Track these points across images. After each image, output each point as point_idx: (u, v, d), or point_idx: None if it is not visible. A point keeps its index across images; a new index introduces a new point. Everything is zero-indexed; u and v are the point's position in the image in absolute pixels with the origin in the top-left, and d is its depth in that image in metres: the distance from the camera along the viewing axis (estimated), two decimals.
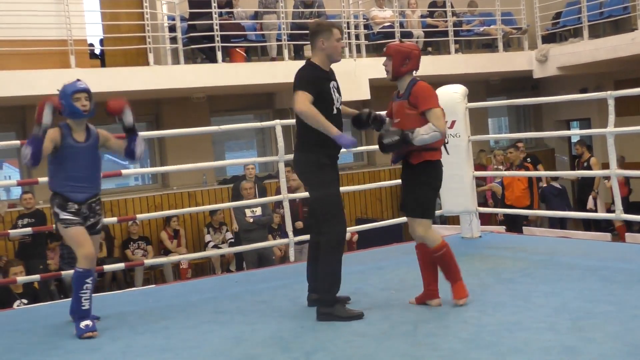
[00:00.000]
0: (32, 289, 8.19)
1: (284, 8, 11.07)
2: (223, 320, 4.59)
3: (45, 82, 9.05)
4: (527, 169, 10.74)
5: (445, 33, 12.37)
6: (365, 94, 11.03)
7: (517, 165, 10.63)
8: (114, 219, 6.80)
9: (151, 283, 9.94)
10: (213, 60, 10.48)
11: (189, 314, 4.81)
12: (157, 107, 11.75)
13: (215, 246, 10.81)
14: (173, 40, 10.45)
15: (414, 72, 4.58)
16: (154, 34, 10.34)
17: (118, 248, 10.77)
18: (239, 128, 11.28)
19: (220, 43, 10.36)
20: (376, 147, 4.67)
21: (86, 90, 4.50)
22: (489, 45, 13.23)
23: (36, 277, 6.65)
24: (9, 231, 7.22)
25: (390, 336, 4.00)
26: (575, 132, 14.86)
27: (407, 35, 12.04)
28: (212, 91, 11.25)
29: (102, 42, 11.07)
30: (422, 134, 4.35)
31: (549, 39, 13.10)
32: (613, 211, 6.27)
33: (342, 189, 7.39)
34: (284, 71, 10.75)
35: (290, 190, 9.22)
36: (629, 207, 11.13)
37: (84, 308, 4.41)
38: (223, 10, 10.72)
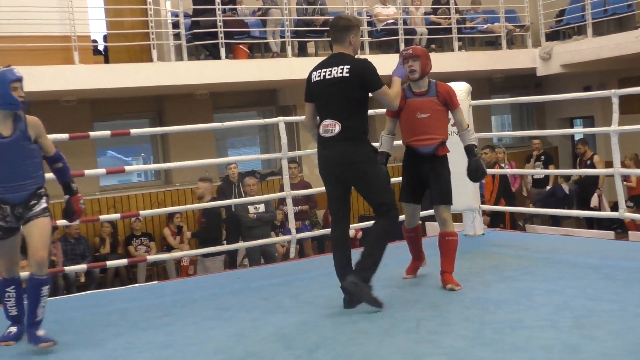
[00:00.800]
0: None
1: (287, 5, 11.05)
2: (225, 317, 4.60)
3: (48, 78, 9.11)
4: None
5: (448, 30, 12.36)
6: None
7: (490, 165, 10.51)
8: (117, 215, 6.79)
9: (154, 279, 9.97)
10: (216, 56, 10.48)
11: (191, 311, 4.82)
12: (160, 104, 11.76)
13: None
14: (176, 36, 10.45)
15: None
16: (158, 30, 10.35)
17: (121, 244, 10.79)
18: (242, 125, 11.23)
19: (223, 40, 10.37)
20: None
21: (21, 80, 4.15)
22: (493, 43, 13.21)
23: None
24: None
25: (392, 333, 4.00)
26: (578, 130, 14.85)
27: (410, 32, 12.03)
28: (215, 88, 11.26)
29: (105, 38, 11.08)
30: (473, 138, 5.05)
31: (552, 36, 13.09)
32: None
33: None
34: (287, 68, 10.77)
35: (198, 197, 9.36)
36: None
37: (10, 314, 4.32)
38: (226, 7, 10.72)
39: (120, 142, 12.33)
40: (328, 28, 11.18)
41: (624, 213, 6.00)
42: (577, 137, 13.50)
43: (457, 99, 5.10)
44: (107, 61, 10.61)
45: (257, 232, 8.90)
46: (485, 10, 13.32)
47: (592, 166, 11.22)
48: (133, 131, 6.16)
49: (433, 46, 12.52)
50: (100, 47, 11.10)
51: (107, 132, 6.13)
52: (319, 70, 4.60)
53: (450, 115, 5.13)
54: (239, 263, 9.66)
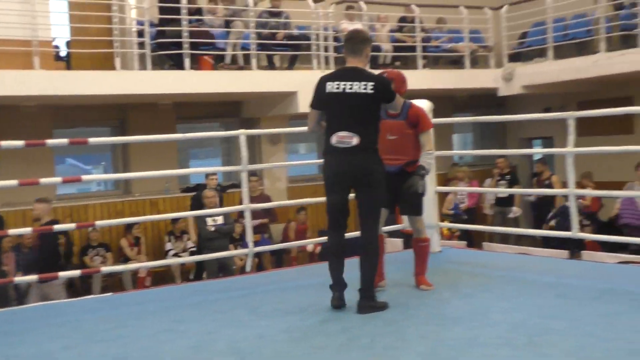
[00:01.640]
0: None
1: (252, 17, 11.04)
2: (180, 330, 4.54)
3: (8, 82, 8.95)
4: None
5: (413, 48, 12.46)
6: None
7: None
8: (72, 225, 6.68)
9: (109, 291, 9.81)
10: (180, 67, 10.42)
11: (146, 323, 4.75)
12: (122, 112, 11.64)
13: (176, 255, 10.72)
14: (141, 45, 10.35)
15: None
16: (122, 38, 10.24)
17: (76, 255, 10.61)
18: (204, 136, 11.23)
19: (188, 50, 10.31)
20: None
21: None
22: (456, 62, 13.36)
23: None
24: None
25: (348, 349, 3.99)
26: (536, 151, 15.08)
27: (376, 49, 12.11)
28: (179, 98, 11.19)
29: (68, 44, 10.94)
30: (428, 161, 5.19)
31: (514, 58, 13.29)
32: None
33: (306, 200, 7.48)
34: (252, 80, 10.76)
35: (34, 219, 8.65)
36: (601, 226, 11.27)
37: None
38: (192, 17, 10.67)
39: (80, 150, 12.18)
40: (293, 42, 11.38)
41: (577, 233, 6.09)
42: (536, 157, 13.69)
43: (429, 122, 5.32)
44: (69, 68, 10.47)
45: (216, 244, 8.85)
46: (450, 29, 13.48)
47: (550, 186, 11.37)
48: (91, 140, 6.07)
49: (398, 63, 12.62)
50: (63, 53, 10.95)
51: (65, 140, 6.03)
52: (337, 82, 4.74)
53: None
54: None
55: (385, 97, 4.78)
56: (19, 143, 5.31)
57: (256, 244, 7.22)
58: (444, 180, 12.07)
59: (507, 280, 5.56)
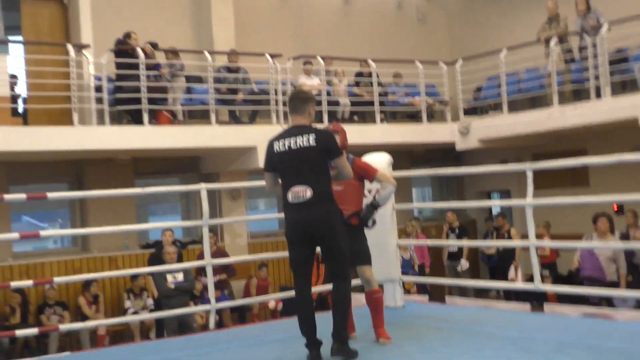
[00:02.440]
0: None
1: (211, 73, 11.11)
2: None
3: None
4: None
5: (370, 103, 12.62)
6: None
7: None
8: (30, 282, 6.52)
9: (67, 350, 9.55)
10: (139, 122, 10.39)
11: None
12: (80, 168, 11.52)
13: (135, 312, 10.51)
14: (99, 100, 10.31)
15: None
16: (80, 93, 10.18)
17: (33, 314, 10.35)
18: (163, 191, 11.16)
19: (146, 105, 10.30)
20: None
21: None
22: (413, 116, 13.54)
23: None
24: None
25: None
26: (495, 203, 15.25)
27: (334, 103, 12.25)
28: (137, 153, 11.11)
29: (25, 100, 10.85)
30: (383, 195, 5.38)
31: (470, 112, 13.53)
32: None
33: (267, 255, 7.48)
34: (210, 135, 10.75)
35: None
36: (557, 277, 11.39)
37: None
38: (150, 73, 10.69)
39: (36, 207, 11.97)
40: (253, 97, 11.45)
41: (539, 285, 6.14)
42: (494, 210, 13.85)
43: (372, 167, 5.49)
44: (26, 123, 10.36)
45: (176, 301, 8.70)
46: (406, 84, 13.70)
47: (510, 239, 11.50)
48: (50, 195, 6.00)
49: (355, 117, 12.76)
50: (20, 109, 10.84)
51: (23, 195, 5.95)
52: (282, 141, 4.87)
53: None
54: None
55: (327, 148, 4.85)
56: None
57: (217, 300, 7.13)
58: (402, 234, 12.11)
59: (469, 334, 5.55)
